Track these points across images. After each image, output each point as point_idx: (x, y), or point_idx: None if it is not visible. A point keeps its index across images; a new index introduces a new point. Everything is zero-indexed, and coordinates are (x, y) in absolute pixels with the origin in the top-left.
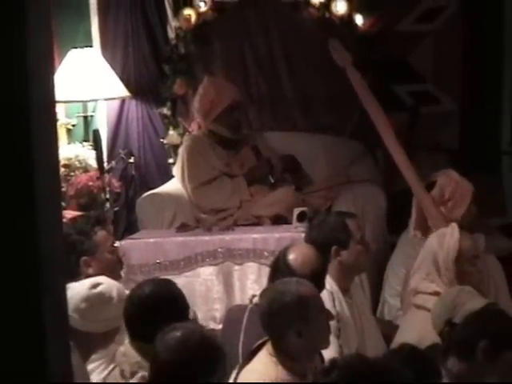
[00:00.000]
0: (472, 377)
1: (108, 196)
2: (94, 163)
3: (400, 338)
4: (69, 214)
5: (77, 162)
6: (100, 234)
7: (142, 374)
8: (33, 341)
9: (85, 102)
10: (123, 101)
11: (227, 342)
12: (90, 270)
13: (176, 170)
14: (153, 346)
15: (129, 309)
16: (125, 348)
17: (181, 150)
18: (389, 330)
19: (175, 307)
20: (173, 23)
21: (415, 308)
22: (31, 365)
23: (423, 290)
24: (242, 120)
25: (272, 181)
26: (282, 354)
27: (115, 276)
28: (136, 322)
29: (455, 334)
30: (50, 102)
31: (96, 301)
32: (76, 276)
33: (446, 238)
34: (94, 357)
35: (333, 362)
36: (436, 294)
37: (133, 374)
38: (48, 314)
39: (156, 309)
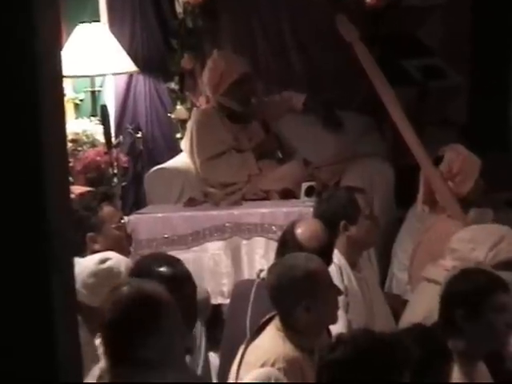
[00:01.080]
0: (477, 347)
1: (116, 171)
2: (101, 138)
3: (409, 312)
4: (77, 189)
5: (84, 137)
6: (106, 210)
7: None
8: (41, 317)
9: (92, 77)
10: (131, 76)
11: (235, 316)
12: (97, 246)
13: (184, 144)
14: None
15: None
16: None
17: (189, 124)
18: (397, 304)
19: (182, 287)
20: None
21: (426, 281)
22: (39, 341)
23: (444, 264)
24: (251, 93)
25: (280, 156)
26: (290, 330)
27: (124, 252)
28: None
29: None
30: (58, 78)
31: (104, 276)
32: (82, 252)
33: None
34: None
35: (339, 337)
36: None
37: None
38: (56, 289)
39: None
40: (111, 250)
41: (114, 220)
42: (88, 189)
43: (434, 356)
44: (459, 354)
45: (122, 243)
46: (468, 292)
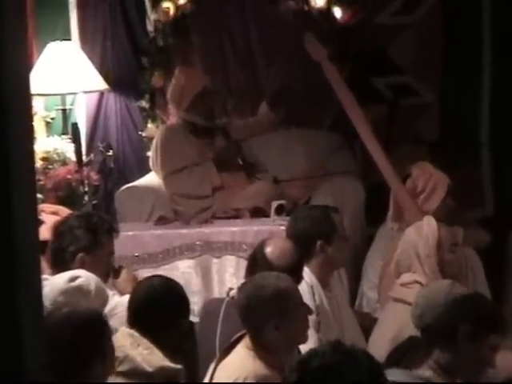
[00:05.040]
0: (459, 365)
1: (87, 189)
2: (72, 156)
3: (379, 331)
4: (48, 207)
5: (55, 155)
6: (109, 240)
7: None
8: (8, 336)
9: (63, 95)
10: (102, 94)
11: (204, 334)
12: (82, 266)
13: (151, 159)
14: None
15: (140, 297)
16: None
17: (155, 140)
18: (367, 322)
19: (179, 305)
20: (151, 16)
21: (393, 301)
22: (6, 360)
23: (405, 281)
24: (215, 108)
25: (240, 162)
26: (260, 348)
27: (103, 280)
28: (141, 310)
29: (436, 322)
30: (26, 96)
31: (74, 294)
32: (66, 268)
33: (424, 228)
34: None
35: (308, 354)
36: (417, 283)
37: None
38: (24, 308)
39: (165, 303)
40: (95, 274)
41: (109, 250)
42: (60, 207)
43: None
44: (440, 367)
45: (107, 273)
46: (482, 315)
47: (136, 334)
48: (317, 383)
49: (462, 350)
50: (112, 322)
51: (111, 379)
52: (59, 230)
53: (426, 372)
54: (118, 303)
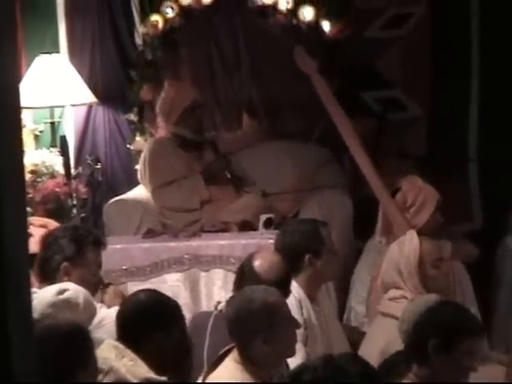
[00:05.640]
0: (437, 377)
1: (75, 202)
2: (61, 169)
3: (366, 345)
4: (36, 220)
5: (44, 168)
6: (95, 252)
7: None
8: None
9: (52, 108)
10: (90, 107)
11: (192, 348)
12: (66, 279)
13: (139, 172)
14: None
15: (127, 310)
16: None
17: (143, 153)
18: (355, 336)
19: (168, 319)
20: (140, 29)
21: (381, 315)
22: None
23: (392, 296)
24: (204, 122)
25: (228, 176)
26: (248, 362)
27: (91, 293)
28: (130, 324)
29: (409, 337)
30: (16, 108)
31: (62, 307)
32: (52, 278)
33: (406, 245)
34: None
35: (299, 368)
36: (404, 298)
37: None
38: (13, 320)
39: (154, 317)
40: (82, 286)
41: (95, 264)
42: (48, 220)
43: None
44: (420, 381)
45: (94, 287)
46: (447, 325)
47: (121, 346)
48: None
49: (436, 363)
50: (100, 334)
51: None
52: (46, 241)
53: None
54: (105, 315)
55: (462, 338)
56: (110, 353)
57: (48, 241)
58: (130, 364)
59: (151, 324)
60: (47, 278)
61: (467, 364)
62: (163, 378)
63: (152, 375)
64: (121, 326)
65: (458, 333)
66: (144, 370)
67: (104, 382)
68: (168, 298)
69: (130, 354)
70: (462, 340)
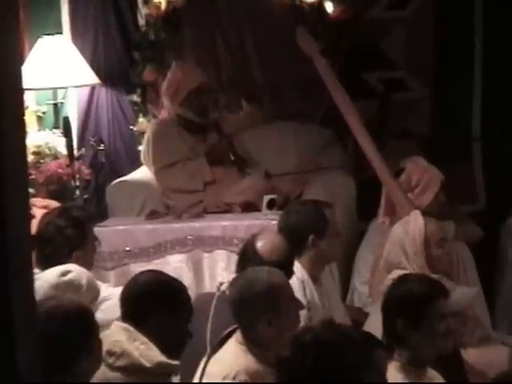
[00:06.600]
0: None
1: (78, 183)
2: (63, 150)
3: (370, 326)
4: (39, 201)
5: (47, 149)
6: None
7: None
8: (0, 331)
9: (55, 89)
10: (93, 88)
11: (195, 329)
12: (79, 263)
13: (142, 153)
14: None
15: (133, 290)
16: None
17: (147, 134)
18: (358, 317)
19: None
20: (143, 10)
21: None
22: None
23: (394, 277)
24: (209, 105)
25: (232, 157)
26: (252, 343)
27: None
28: (135, 303)
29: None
30: (19, 90)
31: (66, 288)
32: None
33: (411, 224)
34: None
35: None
36: None
37: (109, 353)
38: (16, 302)
39: (159, 296)
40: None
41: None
42: (51, 201)
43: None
44: (405, 363)
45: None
46: (407, 300)
47: (131, 328)
48: (309, 357)
49: (411, 341)
50: (104, 307)
51: (108, 373)
52: (44, 225)
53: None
54: (111, 293)
55: (427, 305)
56: (121, 335)
57: (47, 226)
58: (143, 348)
59: (156, 304)
60: (48, 261)
61: (442, 329)
62: (175, 362)
63: (164, 359)
64: (125, 306)
65: (422, 301)
66: (157, 353)
67: (117, 365)
68: (173, 279)
69: (140, 336)
70: (428, 307)
